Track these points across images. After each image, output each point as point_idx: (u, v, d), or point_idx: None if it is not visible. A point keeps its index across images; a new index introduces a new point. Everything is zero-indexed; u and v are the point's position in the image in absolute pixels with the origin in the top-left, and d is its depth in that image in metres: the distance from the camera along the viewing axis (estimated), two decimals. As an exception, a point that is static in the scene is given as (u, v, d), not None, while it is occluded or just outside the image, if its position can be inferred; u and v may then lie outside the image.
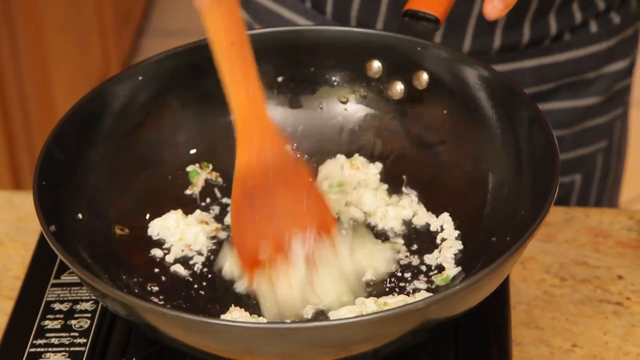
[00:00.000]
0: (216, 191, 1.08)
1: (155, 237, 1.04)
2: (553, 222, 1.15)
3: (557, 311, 1.07)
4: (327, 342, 0.86)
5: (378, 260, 0.98)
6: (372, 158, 1.08)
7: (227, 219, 1.05)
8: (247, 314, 0.95)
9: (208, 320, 0.88)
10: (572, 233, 1.14)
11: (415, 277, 0.99)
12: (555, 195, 0.92)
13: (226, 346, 0.87)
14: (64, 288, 1.04)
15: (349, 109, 1.11)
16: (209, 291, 0.99)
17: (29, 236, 1.16)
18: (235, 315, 0.94)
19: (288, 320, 0.94)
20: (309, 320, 0.93)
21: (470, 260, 0.99)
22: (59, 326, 1.00)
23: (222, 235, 1.04)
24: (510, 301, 1.03)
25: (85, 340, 0.99)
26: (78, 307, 1.02)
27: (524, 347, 1.03)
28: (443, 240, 1.02)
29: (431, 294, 0.95)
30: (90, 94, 1.04)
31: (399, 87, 1.08)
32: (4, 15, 1.89)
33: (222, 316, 0.95)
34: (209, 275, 1.01)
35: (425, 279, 0.99)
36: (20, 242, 1.16)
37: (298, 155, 1.08)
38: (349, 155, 1.09)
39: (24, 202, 1.21)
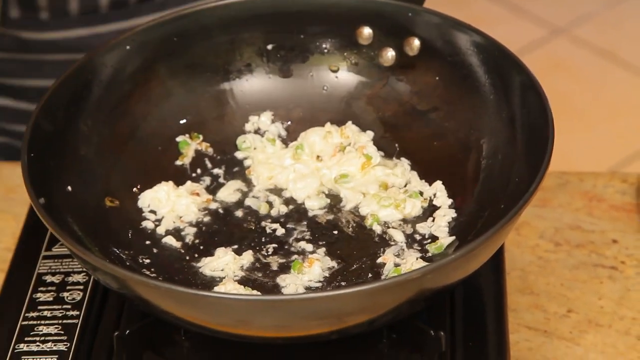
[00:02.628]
0: (207, 162, 1.07)
1: (146, 209, 1.03)
2: (547, 186, 1.14)
3: (551, 276, 1.06)
4: (322, 314, 0.85)
5: None
6: (363, 126, 1.07)
7: (219, 191, 1.05)
8: (241, 286, 0.94)
9: (201, 292, 0.87)
10: (566, 197, 1.13)
11: (409, 245, 0.98)
12: (550, 162, 0.91)
13: (219, 319, 0.87)
14: (56, 260, 1.03)
15: (339, 76, 1.09)
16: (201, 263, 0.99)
17: (19, 207, 1.15)
18: (229, 287, 0.94)
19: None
20: (303, 293, 0.93)
21: (464, 229, 0.98)
22: (51, 299, 1.00)
23: (213, 206, 1.04)
24: (505, 267, 1.02)
25: (77, 313, 0.98)
26: (70, 279, 1.01)
27: (519, 313, 1.03)
28: (436, 208, 1.01)
29: (426, 263, 0.94)
30: (79, 65, 1.03)
31: (390, 53, 1.07)
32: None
33: (216, 288, 0.94)
34: (201, 247, 1.00)
35: (419, 248, 0.98)
36: (10, 214, 1.15)
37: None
38: (340, 123, 1.08)
39: (13, 173, 1.20)
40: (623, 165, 2.30)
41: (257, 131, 1.09)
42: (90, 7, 1.23)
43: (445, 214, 1.00)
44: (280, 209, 1.03)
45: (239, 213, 1.03)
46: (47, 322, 0.98)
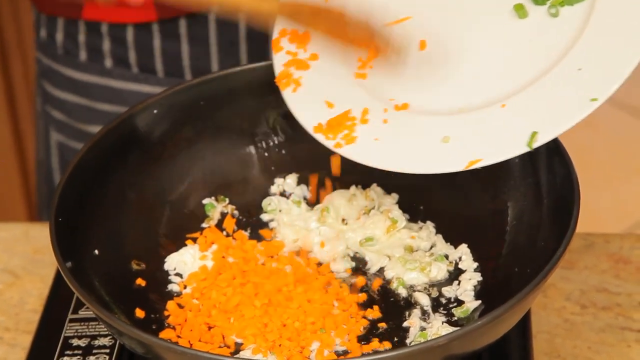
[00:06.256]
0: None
1: (172, 272, 1.03)
2: (573, 248, 1.14)
3: (578, 339, 1.05)
4: (348, 380, 0.85)
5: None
6: (388, 188, 1.08)
7: (245, 254, 1.05)
8: (267, 350, 0.94)
9: (228, 357, 0.87)
10: (592, 259, 1.13)
11: (434, 309, 0.98)
12: (576, 227, 0.91)
13: (245, 383, 0.87)
14: (82, 323, 1.03)
15: (364, 139, 1.10)
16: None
17: (46, 269, 1.16)
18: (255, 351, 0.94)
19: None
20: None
21: (490, 293, 0.98)
22: (77, 363, 1.00)
23: (240, 269, 1.04)
24: (532, 330, 1.02)
25: (103, 377, 0.98)
26: (96, 342, 1.01)
27: (545, 377, 1.02)
28: (462, 271, 1.01)
29: (452, 329, 0.94)
30: (107, 130, 1.04)
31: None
32: (19, 50, 1.90)
33: (242, 352, 0.94)
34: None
35: (445, 312, 0.98)
36: (37, 275, 1.16)
37: None
38: (365, 186, 1.08)
39: (41, 234, 1.20)
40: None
41: (282, 193, 1.10)
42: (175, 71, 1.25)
43: (471, 278, 1.00)
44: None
45: (265, 276, 1.03)
46: (73, 386, 0.98)
